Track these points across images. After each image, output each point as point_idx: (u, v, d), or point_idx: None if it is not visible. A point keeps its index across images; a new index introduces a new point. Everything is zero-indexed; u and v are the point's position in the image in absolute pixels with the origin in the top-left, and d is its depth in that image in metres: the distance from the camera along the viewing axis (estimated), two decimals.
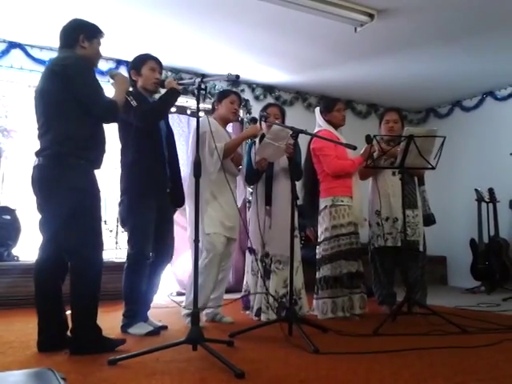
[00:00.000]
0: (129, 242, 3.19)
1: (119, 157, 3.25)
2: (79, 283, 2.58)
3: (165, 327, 3.29)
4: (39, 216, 2.68)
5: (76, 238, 2.56)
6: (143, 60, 3.29)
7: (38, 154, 2.65)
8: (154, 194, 3.18)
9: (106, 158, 2.80)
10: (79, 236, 2.56)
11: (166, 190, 3.28)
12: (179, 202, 3.42)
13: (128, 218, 3.16)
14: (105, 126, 2.80)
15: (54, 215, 2.58)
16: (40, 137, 2.66)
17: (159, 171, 3.23)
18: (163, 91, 3.23)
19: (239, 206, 3.73)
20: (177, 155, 3.43)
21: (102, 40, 2.83)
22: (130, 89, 3.19)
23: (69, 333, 2.60)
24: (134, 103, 3.02)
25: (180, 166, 3.50)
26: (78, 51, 2.71)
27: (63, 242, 2.60)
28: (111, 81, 2.89)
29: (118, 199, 3.27)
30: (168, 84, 3.17)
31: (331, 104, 4.00)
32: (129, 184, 3.15)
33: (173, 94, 3.14)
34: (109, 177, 4.39)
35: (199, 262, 3.39)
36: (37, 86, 2.74)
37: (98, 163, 2.74)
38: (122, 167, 3.23)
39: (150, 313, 3.32)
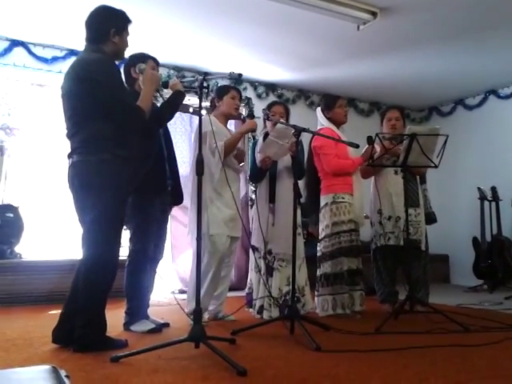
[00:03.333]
0: (131, 239, 3.20)
1: None
2: (90, 281, 2.56)
3: (167, 324, 3.30)
4: (80, 214, 2.65)
5: (103, 234, 2.57)
6: (144, 60, 3.24)
7: (71, 154, 2.65)
8: (156, 192, 3.22)
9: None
10: (105, 232, 2.57)
11: (166, 189, 3.31)
12: (178, 200, 3.42)
13: (132, 216, 3.16)
14: None
15: (96, 208, 2.55)
16: (70, 137, 2.66)
17: (160, 170, 3.26)
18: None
19: (240, 203, 3.72)
20: (174, 153, 3.45)
21: (130, 27, 2.78)
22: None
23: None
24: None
25: (182, 163, 3.51)
26: (106, 47, 2.68)
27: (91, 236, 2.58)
28: (140, 77, 2.86)
29: None
30: (173, 86, 3.15)
31: (332, 101, 3.98)
32: None
33: (179, 96, 3.13)
34: None
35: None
36: (62, 85, 2.72)
37: (130, 161, 2.71)
38: None
39: (150, 310, 3.33)
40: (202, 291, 3.37)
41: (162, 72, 3.86)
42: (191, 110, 5.74)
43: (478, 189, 5.88)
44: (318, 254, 3.87)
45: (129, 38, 2.82)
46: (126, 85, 3.24)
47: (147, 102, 2.73)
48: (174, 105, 3.15)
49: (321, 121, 3.98)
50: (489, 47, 5.12)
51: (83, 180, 2.59)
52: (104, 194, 2.56)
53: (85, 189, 2.58)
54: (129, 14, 2.84)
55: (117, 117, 2.62)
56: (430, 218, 4.12)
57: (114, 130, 2.61)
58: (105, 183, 2.57)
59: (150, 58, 3.29)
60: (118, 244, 2.68)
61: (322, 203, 3.88)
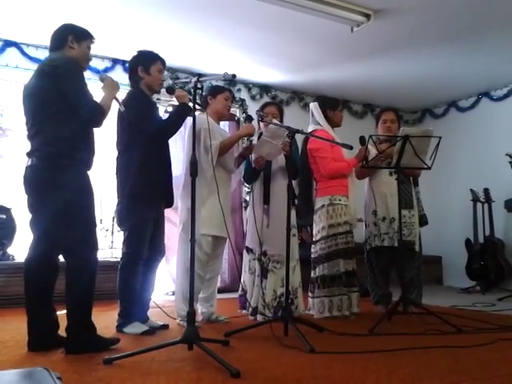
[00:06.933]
0: (125, 241, 3.19)
1: (119, 157, 3.24)
2: (75, 282, 2.58)
3: (166, 326, 3.30)
4: (30, 215, 2.68)
5: (72, 237, 2.57)
6: (152, 60, 3.26)
7: (29, 154, 2.65)
8: (156, 195, 3.22)
9: (96, 159, 2.80)
10: (75, 235, 2.57)
11: (165, 191, 3.31)
12: (170, 203, 3.41)
13: (127, 218, 3.15)
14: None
15: (47, 215, 2.57)
16: (30, 138, 2.66)
17: (162, 173, 3.27)
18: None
19: (229, 203, 3.71)
20: (170, 156, 3.43)
21: (92, 45, 2.84)
22: (124, 89, 3.17)
23: (64, 332, 2.59)
24: (122, 108, 2.97)
25: (175, 164, 3.50)
26: (66, 52, 2.73)
27: (59, 240, 2.60)
28: (101, 84, 2.89)
29: (116, 199, 3.26)
30: (180, 97, 3.16)
31: (336, 103, 4.01)
32: (134, 186, 3.11)
33: (186, 109, 3.14)
34: (104, 177, 4.38)
35: (183, 263, 3.42)
36: (25, 86, 2.73)
37: (89, 164, 2.74)
38: (122, 168, 3.21)
39: (148, 313, 3.33)
40: (181, 293, 3.38)
41: None
42: None
43: (471, 190, 5.91)
44: (314, 255, 3.87)
45: (91, 52, 2.87)
46: (129, 81, 3.32)
47: (107, 105, 2.74)
48: (182, 117, 3.18)
49: (317, 119, 3.94)
50: (482, 49, 5.15)
51: (42, 185, 2.58)
52: (64, 197, 2.54)
53: (41, 192, 2.58)
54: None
55: (78, 111, 2.60)
56: (422, 221, 4.14)
57: (73, 132, 2.61)
58: (64, 188, 2.55)
59: (158, 59, 3.29)
60: (95, 244, 2.70)
61: (318, 205, 3.87)
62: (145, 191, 3.13)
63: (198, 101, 3.02)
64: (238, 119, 5.99)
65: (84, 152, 2.69)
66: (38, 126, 2.62)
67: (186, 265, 3.31)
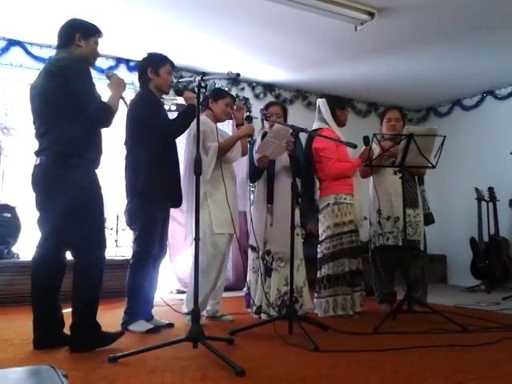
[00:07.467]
0: (136, 240, 3.20)
1: (127, 156, 3.25)
2: (82, 281, 2.58)
3: (171, 325, 3.31)
4: (38, 213, 2.68)
5: (80, 236, 2.57)
6: (162, 61, 3.29)
7: (38, 153, 2.66)
8: (166, 194, 3.24)
9: (104, 158, 2.81)
10: (83, 234, 2.57)
11: (174, 191, 3.32)
12: (178, 203, 3.41)
13: (137, 216, 3.17)
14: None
15: (55, 213, 2.58)
16: (39, 137, 2.66)
17: (172, 173, 3.29)
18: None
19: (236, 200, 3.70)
20: (177, 156, 3.44)
21: (100, 40, 2.84)
22: (131, 89, 3.18)
23: (68, 329, 2.60)
24: (127, 106, 3.00)
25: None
26: (73, 50, 2.73)
27: (67, 239, 2.61)
28: (107, 81, 2.89)
29: (126, 197, 3.28)
30: (188, 99, 3.20)
31: (344, 102, 4.02)
32: (145, 185, 3.13)
33: (195, 111, 3.09)
34: (108, 175, 4.39)
35: (201, 263, 3.42)
36: (32, 85, 2.74)
37: (97, 163, 2.76)
38: (131, 167, 3.22)
39: (153, 311, 3.34)
40: (204, 292, 3.37)
41: None
42: None
43: (476, 189, 5.89)
44: (319, 255, 3.86)
45: (99, 49, 2.86)
46: (138, 81, 3.36)
47: (115, 105, 2.75)
48: (189, 118, 3.19)
49: (325, 116, 3.92)
50: (486, 48, 5.13)
51: (51, 184, 2.59)
52: (72, 196, 2.55)
53: (50, 191, 2.59)
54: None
55: (87, 110, 2.60)
56: (428, 219, 4.12)
57: (82, 131, 2.61)
58: (73, 187, 2.56)
59: (167, 61, 3.31)
60: (103, 242, 2.71)
61: (323, 204, 3.86)
62: (156, 190, 3.15)
63: (201, 100, 3.03)
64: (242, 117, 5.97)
65: (92, 151, 2.70)
66: (46, 126, 2.62)
67: (203, 265, 3.30)
